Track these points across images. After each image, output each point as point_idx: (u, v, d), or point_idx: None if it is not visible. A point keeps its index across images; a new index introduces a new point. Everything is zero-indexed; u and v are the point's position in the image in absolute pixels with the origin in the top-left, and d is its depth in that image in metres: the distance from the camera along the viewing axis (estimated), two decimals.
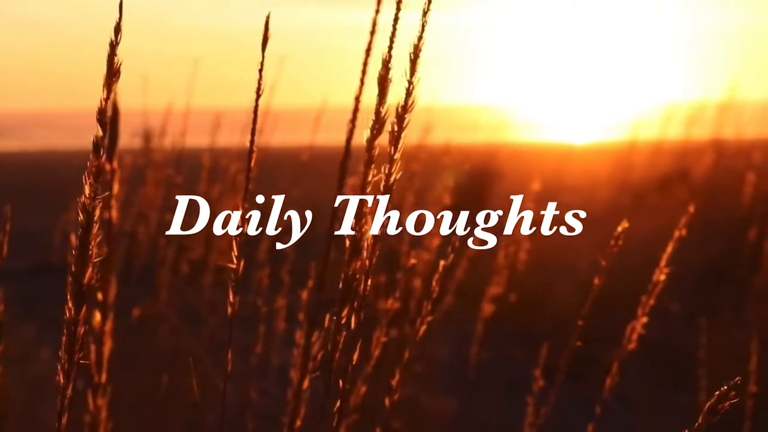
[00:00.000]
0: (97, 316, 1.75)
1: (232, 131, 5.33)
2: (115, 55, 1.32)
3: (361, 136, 1.50)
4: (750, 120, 11.20)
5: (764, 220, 5.84)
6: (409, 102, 1.45)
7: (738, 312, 5.80)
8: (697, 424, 1.45)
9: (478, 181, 9.53)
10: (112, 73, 1.32)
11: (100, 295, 1.78)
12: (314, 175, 5.49)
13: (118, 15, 1.34)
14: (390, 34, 1.47)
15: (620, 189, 10.28)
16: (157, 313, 4.32)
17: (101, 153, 1.30)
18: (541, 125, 34.98)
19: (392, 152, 1.47)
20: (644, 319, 2.01)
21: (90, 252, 1.32)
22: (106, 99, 1.31)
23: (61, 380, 1.38)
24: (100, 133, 1.31)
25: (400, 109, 1.45)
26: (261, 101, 1.53)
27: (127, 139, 6.52)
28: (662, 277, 1.96)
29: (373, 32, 1.98)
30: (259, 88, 1.51)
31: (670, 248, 1.93)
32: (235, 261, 1.55)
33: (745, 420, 2.83)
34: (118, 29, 1.33)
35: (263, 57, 1.49)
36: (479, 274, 3.78)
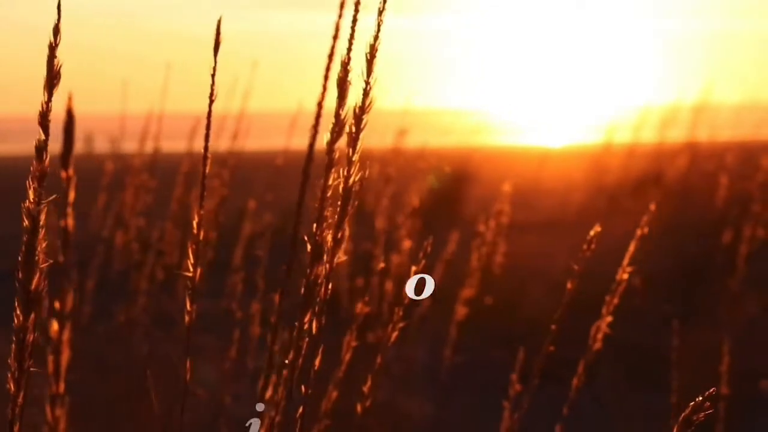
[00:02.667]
0: (54, 326, 1.73)
1: (213, 136, 5.31)
2: (55, 57, 1.31)
3: (325, 140, 1.48)
4: (724, 123, 11.25)
5: (738, 222, 5.86)
6: (367, 103, 1.44)
7: (712, 314, 5.82)
8: None
9: (453, 185, 9.54)
10: (53, 75, 1.31)
11: (57, 304, 1.76)
12: (289, 179, 5.47)
13: (56, 17, 1.31)
14: (349, 36, 1.46)
15: (595, 192, 10.30)
16: (132, 318, 4.31)
17: (44, 157, 1.31)
18: (516, 128, 35.04)
19: (350, 154, 1.46)
20: (609, 318, 2.00)
21: (37, 258, 1.31)
22: (47, 102, 1.31)
23: (12, 388, 1.36)
24: (42, 137, 1.32)
25: (357, 110, 1.44)
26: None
27: (108, 144, 6.50)
28: (625, 276, 1.95)
29: (335, 37, 1.97)
30: (212, 94, 1.50)
31: (632, 247, 1.92)
32: (191, 269, 1.53)
33: (717, 422, 2.83)
34: (57, 31, 1.30)
35: (215, 62, 1.48)
36: (454, 277, 3.79)
